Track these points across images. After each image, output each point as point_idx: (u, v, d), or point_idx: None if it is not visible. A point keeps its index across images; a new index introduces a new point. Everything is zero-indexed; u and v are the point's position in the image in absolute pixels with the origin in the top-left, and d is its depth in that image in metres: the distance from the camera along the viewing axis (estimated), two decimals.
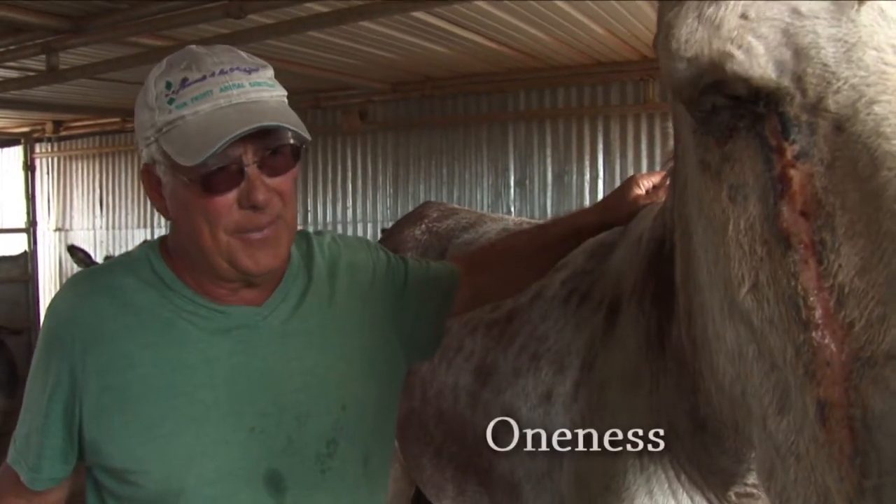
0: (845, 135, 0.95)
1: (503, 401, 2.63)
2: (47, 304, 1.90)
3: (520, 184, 8.50)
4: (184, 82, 1.72)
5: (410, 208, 8.80)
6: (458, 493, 2.96)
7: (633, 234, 2.34)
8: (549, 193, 8.35)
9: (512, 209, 8.45)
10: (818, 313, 0.93)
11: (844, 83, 0.96)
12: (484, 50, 7.05)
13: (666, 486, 1.95)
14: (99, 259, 8.70)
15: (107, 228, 11.35)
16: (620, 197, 2.42)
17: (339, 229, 9.24)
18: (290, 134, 1.77)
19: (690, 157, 1.22)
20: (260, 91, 1.77)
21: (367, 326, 2.09)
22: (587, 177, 8.14)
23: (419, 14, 5.60)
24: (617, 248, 2.44)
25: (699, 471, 1.88)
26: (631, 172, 7.80)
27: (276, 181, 1.77)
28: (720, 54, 1.02)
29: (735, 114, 1.06)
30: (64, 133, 11.36)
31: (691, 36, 1.04)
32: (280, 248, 1.84)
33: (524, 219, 3.82)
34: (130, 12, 5.38)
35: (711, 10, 1.02)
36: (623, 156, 7.96)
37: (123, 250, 10.41)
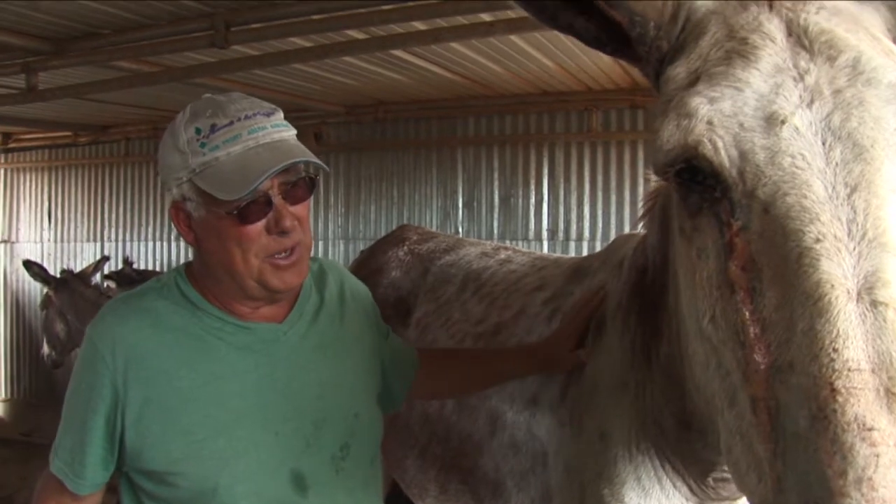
0: (769, 215, 1.34)
1: (489, 406, 2.87)
2: (88, 328, 2.10)
3: (468, 206, 8.72)
4: (213, 127, 1.96)
5: (361, 228, 9.07)
6: (441, 491, 3.17)
7: (613, 260, 2.62)
8: (495, 215, 8.59)
9: (460, 230, 8.66)
10: (752, 337, 1.33)
11: (769, 179, 1.35)
12: (437, 78, 7.24)
13: (652, 473, 2.25)
14: (54, 273, 8.71)
15: (55, 241, 11.24)
16: (563, 352, 2.55)
17: None
18: (305, 167, 2.05)
19: (676, 222, 1.63)
20: (280, 132, 2.04)
21: (368, 348, 2.37)
22: (532, 200, 8.41)
23: None
24: (597, 273, 2.71)
25: (682, 461, 2.20)
26: (574, 197, 8.13)
27: (296, 209, 2.05)
28: (695, 142, 1.41)
29: (702, 197, 1.46)
30: (13, 145, 11.22)
31: (671, 137, 1.44)
32: (302, 267, 2.11)
33: (500, 244, 4.04)
34: (113, 37, 5.44)
35: (686, 122, 1.42)
36: (567, 181, 8.25)
37: (72, 263, 10.37)
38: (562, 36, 5.62)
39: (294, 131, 2.10)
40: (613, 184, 8.04)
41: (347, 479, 2.19)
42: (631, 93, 7.77)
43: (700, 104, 1.42)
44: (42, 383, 10.73)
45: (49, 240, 11.35)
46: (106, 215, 10.90)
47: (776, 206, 1.33)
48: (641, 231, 2.44)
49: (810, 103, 1.37)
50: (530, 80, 7.45)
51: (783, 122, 1.36)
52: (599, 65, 6.76)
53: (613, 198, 8.05)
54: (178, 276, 2.16)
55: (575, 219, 8.21)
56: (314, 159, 2.03)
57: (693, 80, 1.48)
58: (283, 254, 2.04)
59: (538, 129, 8.40)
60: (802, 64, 1.41)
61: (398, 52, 6.17)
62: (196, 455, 2.01)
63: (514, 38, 5.71)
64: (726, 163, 1.39)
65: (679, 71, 1.53)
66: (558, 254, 4.93)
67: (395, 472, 3.56)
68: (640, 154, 7.93)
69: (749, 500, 1.38)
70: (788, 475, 1.22)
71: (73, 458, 2.06)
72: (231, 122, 1.97)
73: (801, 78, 1.39)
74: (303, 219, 2.08)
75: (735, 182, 1.39)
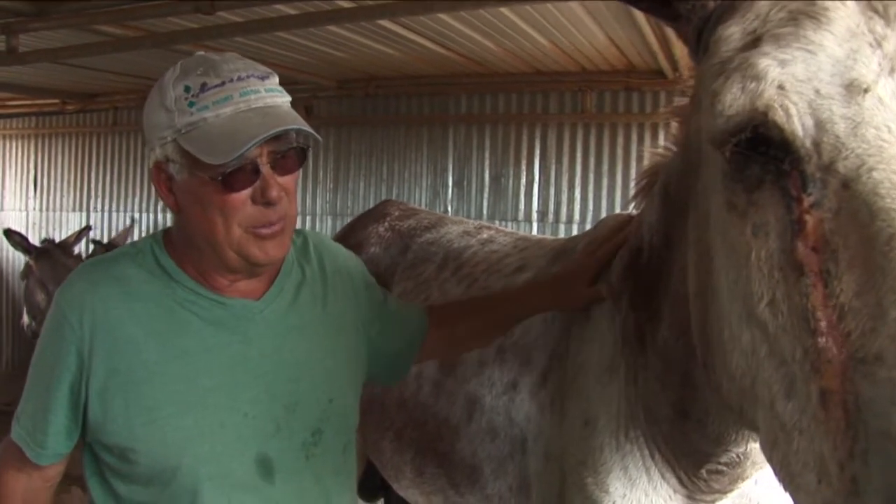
0: (850, 191, 1.21)
1: (467, 389, 2.79)
2: (56, 292, 2.02)
3: (457, 184, 8.67)
4: (203, 87, 1.85)
5: (350, 204, 9.01)
6: (417, 474, 3.09)
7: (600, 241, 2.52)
8: (485, 195, 8.54)
9: (449, 209, 8.60)
10: (823, 324, 1.20)
11: (851, 152, 1.22)
12: (430, 53, 7.17)
13: (640, 463, 2.16)
14: (35, 242, 8.61)
15: (40, 210, 11.16)
16: (579, 285, 2.42)
17: None
18: (297, 137, 1.94)
19: (717, 197, 1.48)
20: (274, 97, 1.93)
21: (351, 329, 2.27)
22: (523, 180, 8.36)
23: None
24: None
25: (673, 452, 2.11)
26: (565, 178, 8.08)
27: (284, 180, 1.94)
28: (765, 108, 1.27)
29: (764, 169, 1.32)
30: None
31: (735, 101, 1.30)
32: (285, 240, 2.00)
33: (484, 223, 3.96)
34: (96, 0, 5.33)
35: (753, 85, 1.29)
36: (558, 162, 8.19)
37: (57, 233, 10.27)
38: (556, 12, 5.58)
39: (288, 98, 2.00)
40: (606, 166, 7.99)
41: (317, 466, 2.11)
42: (626, 75, 7.72)
43: (769, 66, 1.29)
44: (23, 353, 10.65)
45: (35, 209, 11.28)
46: (92, 185, 10.82)
47: (861, 182, 1.20)
48: (632, 211, 2.35)
49: (891, 72, 1.26)
50: (524, 58, 7.38)
51: (866, 91, 1.24)
52: (594, 44, 6.69)
53: (605, 181, 8.00)
54: (155, 242, 2.07)
55: (566, 201, 8.16)
56: (307, 128, 1.92)
57: (751, 41, 1.36)
58: (268, 224, 1.95)
59: (531, 108, 8.34)
60: (878, 29, 1.29)
61: (391, 26, 6.10)
62: (159, 432, 1.92)
63: (507, 13, 5.64)
64: (799, 132, 1.27)
65: (733, 31, 1.40)
66: (548, 236, 4.85)
67: (372, 454, 3.50)
68: (634, 137, 7.87)
69: (800, 500, 1.26)
70: (873, 478, 1.10)
71: (35, 426, 1.99)
72: (223, 83, 1.87)
73: (879, 44, 1.28)
74: (290, 190, 1.98)
75: (809, 153, 1.26)
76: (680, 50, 6.30)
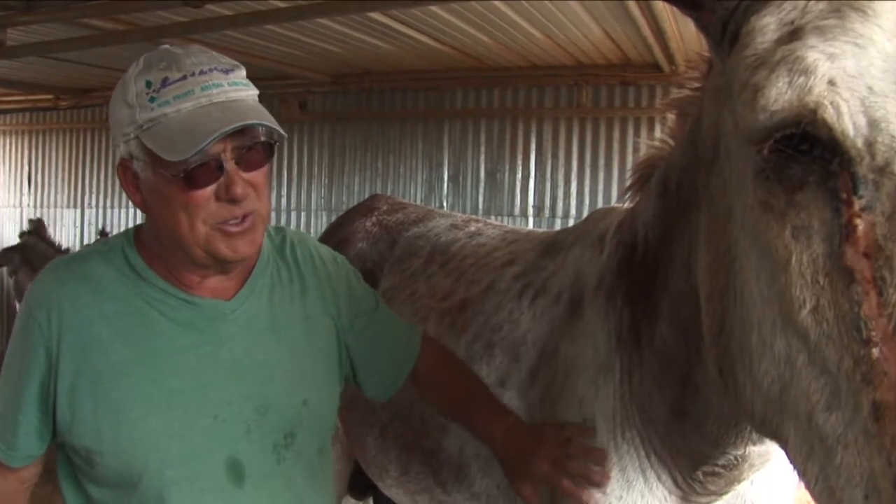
0: None
1: None
2: (27, 291, 1.97)
3: (453, 179, 8.65)
4: (164, 81, 1.80)
5: (345, 199, 8.97)
6: (402, 472, 3.03)
7: (591, 235, 2.47)
8: (481, 190, 8.52)
9: (444, 204, 8.58)
10: (877, 334, 1.13)
11: None
12: (425, 48, 7.14)
13: (637, 464, 2.10)
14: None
15: (34, 206, 11.12)
16: (521, 480, 2.24)
17: (273, 217, 9.24)
18: (263, 131, 1.88)
19: (746, 196, 1.40)
20: (238, 91, 1.86)
21: (328, 330, 2.21)
22: (519, 175, 8.34)
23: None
24: (572, 247, 2.55)
25: (670, 453, 2.05)
26: (561, 173, 8.07)
27: (250, 175, 1.87)
28: (815, 104, 1.19)
29: (807, 169, 1.24)
30: None
31: (780, 97, 1.22)
32: (255, 236, 1.94)
33: (472, 216, 3.88)
34: None
35: (802, 79, 1.21)
36: (554, 157, 8.17)
37: (51, 230, 10.31)
38: (550, 5, 5.54)
39: (255, 91, 1.94)
40: (602, 161, 7.97)
41: (289, 469, 2.06)
42: (622, 69, 7.70)
43: (818, 60, 1.21)
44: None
45: (28, 205, 11.25)
46: (87, 181, 10.80)
47: None
48: (625, 205, 2.27)
49: None
50: (519, 51, 7.36)
51: None
52: (589, 37, 6.65)
53: (601, 175, 7.98)
54: (126, 241, 2.02)
55: (562, 196, 8.14)
56: (271, 122, 1.87)
57: (789, 33, 1.28)
58: (234, 220, 1.89)
59: (527, 103, 8.33)
60: None
61: (383, 19, 6.07)
62: (126, 434, 1.88)
63: (500, 5, 5.63)
64: (850, 131, 1.18)
65: (768, 21, 1.32)
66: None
67: (356, 452, 3.44)
68: (630, 131, 7.86)
69: None
70: None
71: (5, 427, 1.95)
72: (184, 77, 1.81)
73: None
74: (258, 186, 1.92)
75: (860, 154, 1.18)
76: (676, 43, 6.30)
